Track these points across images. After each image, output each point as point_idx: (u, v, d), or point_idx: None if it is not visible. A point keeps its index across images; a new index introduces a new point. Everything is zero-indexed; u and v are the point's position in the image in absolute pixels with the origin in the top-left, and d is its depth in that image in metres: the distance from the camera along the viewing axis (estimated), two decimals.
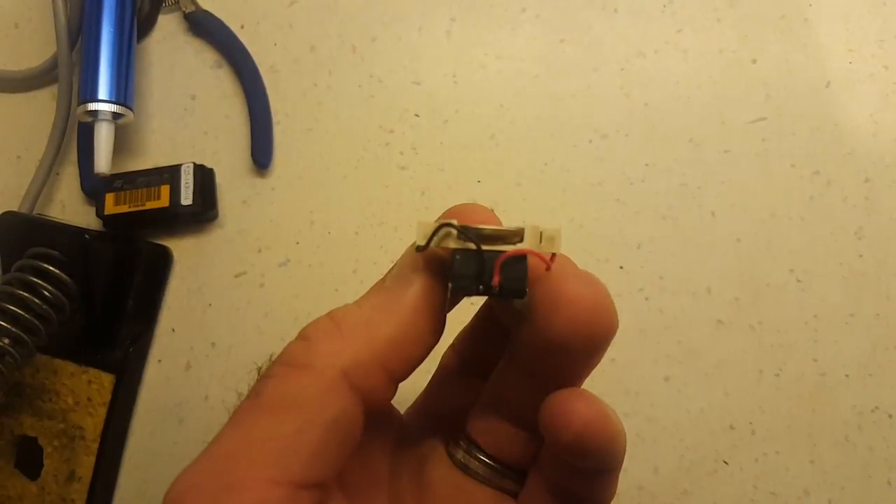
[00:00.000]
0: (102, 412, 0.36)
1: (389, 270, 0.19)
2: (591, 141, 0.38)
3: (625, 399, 0.35)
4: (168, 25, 0.41)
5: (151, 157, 0.39)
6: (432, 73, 0.39)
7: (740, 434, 0.35)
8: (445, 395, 0.23)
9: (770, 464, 0.34)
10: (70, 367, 0.36)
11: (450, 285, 0.17)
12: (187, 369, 0.37)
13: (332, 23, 0.40)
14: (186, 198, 0.36)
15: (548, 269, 0.16)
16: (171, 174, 0.37)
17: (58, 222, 0.37)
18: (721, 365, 0.35)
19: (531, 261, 0.16)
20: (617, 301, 0.17)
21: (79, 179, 0.39)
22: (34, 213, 0.38)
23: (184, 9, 0.40)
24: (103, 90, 0.36)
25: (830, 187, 0.37)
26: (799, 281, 0.36)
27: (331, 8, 0.41)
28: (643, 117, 0.38)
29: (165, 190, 0.37)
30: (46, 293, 0.33)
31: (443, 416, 0.22)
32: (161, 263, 0.38)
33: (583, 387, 0.19)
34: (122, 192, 0.37)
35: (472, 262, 0.16)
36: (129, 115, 0.37)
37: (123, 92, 0.37)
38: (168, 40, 0.41)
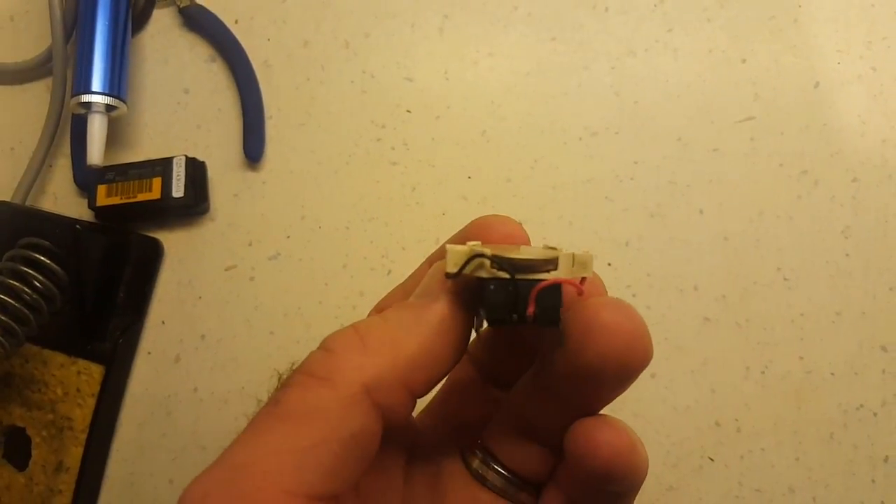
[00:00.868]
0: (91, 403, 0.36)
1: (417, 287, 0.19)
2: (580, 139, 0.38)
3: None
4: (163, 20, 0.41)
5: (144, 149, 0.40)
6: (424, 69, 0.40)
7: (726, 431, 0.35)
8: (462, 404, 0.23)
9: (755, 461, 0.35)
10: (60, 357, 0.36)
11: (483, 315, 0.17)
12: (176, 362, 0.37)
13: (325, 18, 0.41)
14: (178, 190, 0.37)
15: (580, 294, 0.17)
16: (163, 167, 0.37)
17: (49, 213, 0.38)
18: (708, 362, 0.36)
19: (564, 287, 0.16)
20: None
21: (71, 171, 0.40)
22: (26, 204, 0.38)
23: (178, 3, 0.40)
24: (97, 82, 0.36)
25: (818, 187, 0.37)
26: (786, 279, 0.36)
27: (324, 4, 0.41)
28: (633, 115, 0.38)
29: (157, 182, 0.37)
30: (37, 283, 0.33)
31: (459, 425, 0.22)
32: (152, 256, 0.38)
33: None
34: (115, 184, 0.37)
35: (506, 291, 0.16)
36: (123, 107, 0.37)
37: (117, 84, 0.37)
38: (162, 34, 0.41)
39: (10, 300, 0.32)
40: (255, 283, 0.38)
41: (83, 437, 0.36)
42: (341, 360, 0.16)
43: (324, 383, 0.16)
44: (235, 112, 0.40)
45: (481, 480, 0.20)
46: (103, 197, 0.37)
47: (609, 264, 0.37)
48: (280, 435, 0.15)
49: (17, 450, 0.36)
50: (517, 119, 0.39)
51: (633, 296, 0.36)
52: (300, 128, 0.39)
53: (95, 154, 0.36)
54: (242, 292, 0.38)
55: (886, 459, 0.34)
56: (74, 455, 0.36)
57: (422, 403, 0.23)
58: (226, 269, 0.38)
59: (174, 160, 0.37)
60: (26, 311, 0.33)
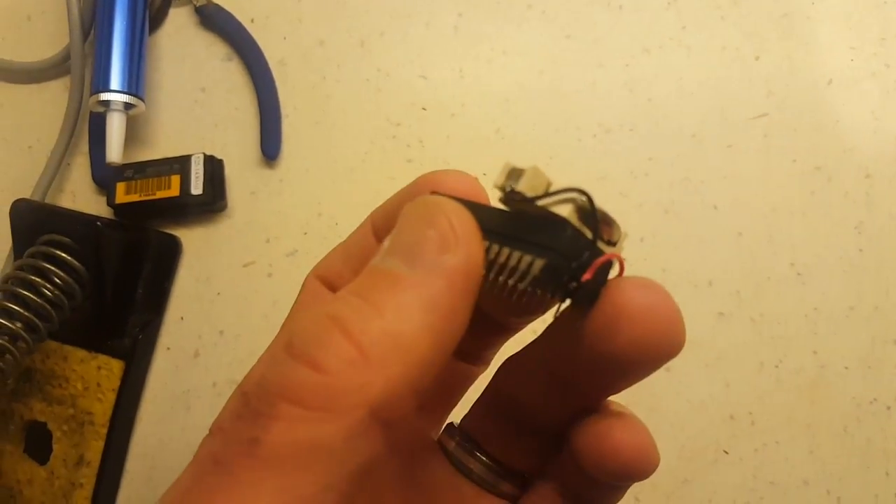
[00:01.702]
0: (111, 398, 0.36)
1: (390, 243, 0.15)
2: (595, 135, 0.39)
3: (626, 390, 0.36)
4: (179, 19, 0.42)
5: (162, 147, 0.40)
6: (439, 67, 0.40)
7: (740, 424, 0.35)
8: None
9: (770, 454, 0.35)
10: (80, 353, 0.37)
11: (545, 262, 0.13)
12: (195, 357, 0.38)
13: (340, 17, 0.41)
14: (196, 188, 0.37)
15: (621, 274, 0.15)
16: (181, 164, 0.37)
17: (70, 210, 0.38)
18: (722, 356, 0.36)
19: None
20: None
21: (89, 169, 0.40)
22: (45, 202, 0.39)
23: (195, 2, 0.41)
24: (115, 81, 0.36)
25: (831, 183, 0.37)
26: (799, 274, 0.36)
27: (339, 3, 0.41)
28: (647, 113, 0.38)
29: (176, 180, 0.37)
30: (58, 280, 0.34)
31: (427, 401, 0.19)
32: (170, 252, 0.38)
33: (622, 406, 0.18)
34: (133, 182, 0.37)
35: (580, 245, 0.14)
36: (141, 105, 0.37)
37: (135, 83, 0.37)
38: (179, 33, 0.42)
39: (31, 296, 0.33)
40: (273, 280, 0.38)
41: (103, 431, 0.36)
42: (340, 382, 0.13)
43: (321, 416, 0.12)
44: (252, 110, 0.40)
45: (459, 467, 0.18)
46: (122, 194, 0.37)
47: (624, 260, 0.37)
48: (272, 486, 0.12)
49: (39, 444, 0.36)
50: (531, 116, 0.39)
51: None
52: (316, 126, 0.40)
53: (114, 152, 0.36)
54: (260, 288, 0.38)
55: None
56: (95, 449, 0.36)
57: None
58: (244, 266, 0.38)
59: (192, 158, 0.37)
60: (48, 307, 0.33)
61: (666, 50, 0.39)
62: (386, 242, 0.14)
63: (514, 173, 0.14)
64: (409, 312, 0.13)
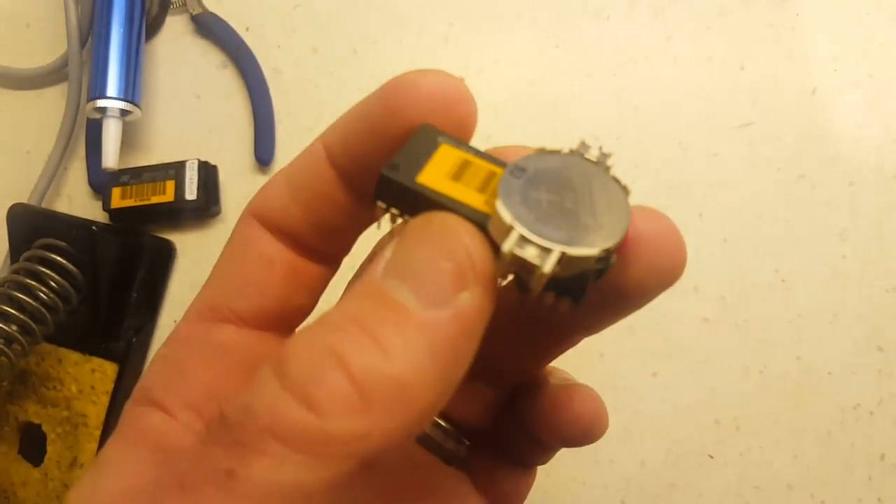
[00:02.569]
0: (105, 400, 0.37)
1: (392, 265, 0.13)
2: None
3: (613, 394, 0.36)
4: (176, 26, 0.42)
5: (157, 153, 0.41)
6: None
7: (726, 429, 0.36)
8: None
9: (754, 458, 0.35)
10: (74, 356, 0.37)
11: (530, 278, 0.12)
12: None
13: (333, 26, 0.42)
14: (191, 193, 0.38)
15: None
16: (176, 170, 0.38)
17: (66, 215, 0.39)
18: (707, 361, 0.36)
19: None
20: None
21: (86, 174, 0.41)
22: (42, 206, 0.39)
23: (191, 11, 0.42)
24: (112, 87, 0.37)
25: (815, 190, 0.38)
26: (784, 281, 0.37)
27: (333, 12, 0.42)
28: (634, 121, 0.39)
29: (170, 185, 0.38)
30: (53, 283, 0.34)
31: None
32: (165, 257, 0.39)
33: (568, 374, 0.19)
34: (129, 187, 0.38)
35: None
36: (137, 112, 0.38)
37: (132, 89, 0.38)
38: (175, 41, 0.42)
39: (27, 299, 0.33)
40: None
41: (97, 433, 0.36)
42: (334, 428, 0.11)
43: (308, 461, 0.11)
44: (246, 117, 0.41)
45: None
46: (118, 199, 0.38)
47: None
48: None
49: (33, 446, 0.37)
50: (521, 124, 0.40)
51: None
52: (309, 132, 0.40)
53: (110, 157, 0.37)
54: None
55: (882, 457, 0.35)
56: (89, 451, 0.36)
57: None
58: None
59: (187, 164, 0.38)
60: (43, 310, 0.34)
61: (653, 60, 0.40)
62: (388, 252, 0.13)
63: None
64: (417, 357, 0.12)
